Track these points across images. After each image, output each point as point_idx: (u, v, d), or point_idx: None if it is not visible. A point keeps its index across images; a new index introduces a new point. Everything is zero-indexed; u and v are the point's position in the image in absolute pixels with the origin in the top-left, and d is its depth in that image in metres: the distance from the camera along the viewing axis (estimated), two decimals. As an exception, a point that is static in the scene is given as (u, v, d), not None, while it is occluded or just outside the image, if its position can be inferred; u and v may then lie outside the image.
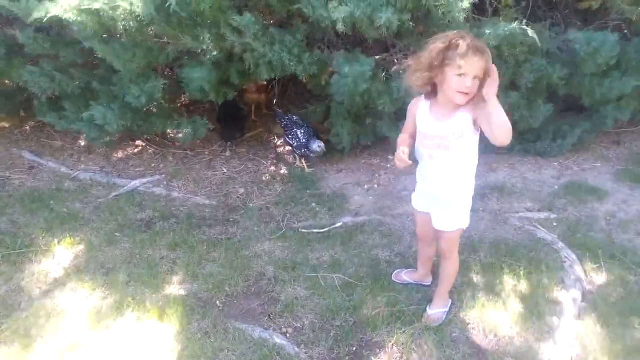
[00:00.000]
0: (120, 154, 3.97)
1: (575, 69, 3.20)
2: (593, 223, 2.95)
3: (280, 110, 3.79)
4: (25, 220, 3.16)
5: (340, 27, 2.71)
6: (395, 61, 3.35)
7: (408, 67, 1.92)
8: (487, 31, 2.82)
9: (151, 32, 2.92)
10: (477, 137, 1.95)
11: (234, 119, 4.00)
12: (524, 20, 3.21)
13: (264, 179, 3.60)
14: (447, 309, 2.38)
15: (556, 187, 3.30)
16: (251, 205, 3.30)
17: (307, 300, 2.50)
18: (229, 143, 3.98)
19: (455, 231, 2.14)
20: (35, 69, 3.40)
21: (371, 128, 3.56)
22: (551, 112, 3.34)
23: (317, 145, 3.51)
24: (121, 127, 3.40)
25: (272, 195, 3.41)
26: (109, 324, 2.39)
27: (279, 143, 4.05)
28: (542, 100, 3.32)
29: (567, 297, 2.43)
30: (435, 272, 2.53)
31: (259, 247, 2.90)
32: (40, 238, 2.98)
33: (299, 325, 2.38)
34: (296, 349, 2.23)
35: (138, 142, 4.08)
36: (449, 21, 2.78)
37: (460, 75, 1.77)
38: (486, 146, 3.47)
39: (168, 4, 2.59)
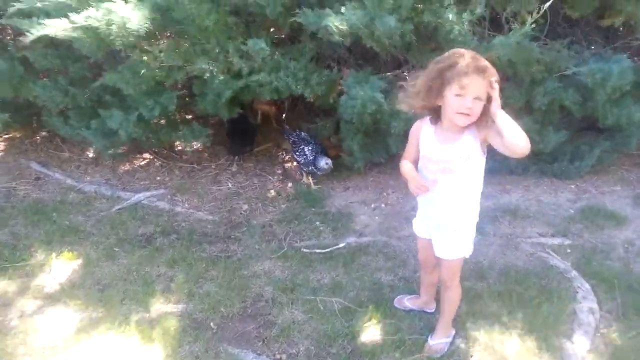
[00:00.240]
0: (127, 166, 3.95)
1: (589, 92, 3.06)
2: (610, 251, 2.79)
3: (288, 127, 3.72)
4: (26, 233, 3.14)
5: (337, 38, 2.64)
6: (407, 78, 3.26)
7: (404, 90, 1.83)
8: (497, 44, 2.70)
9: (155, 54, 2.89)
10: (484, 160, 1.85)
11: (243, 134, 3.95)
12: (542, 37, 3.11)
13: (268, 195, 3.53)
14: (449, 339, 2.25)
15: (572, 211, 3.15)
16: (254, 222, 3.23)
17: (304, 325, 2.40)
18: (236, 157, 3.93)
19: (456, 259, 2.03)
20: (47, 83, 3.41)
21: (382, 145, 3.45)
22: (564, 139, 3.19)
23: (325, 163, 3.42)
24: (133, 134, 3.37)
25: (276, 212, 3.33)
26: (98, 344, 2.33)
27: (287, 158, 3.98)
28: (552, 125, 3.17)
29: (580, 331, 2.29)
30: (439, 299, 2.40)
31: (258, 266, 2.82)
32: (39, 251, 2.95)
33: (293, 351, 2.28)
34: (288, 377, 2.13)
35: (145, 155, 4.05)
36: (457, 36, 2.68)
37: (459, 95, 1.68)
38: (500, 164, 3.42)
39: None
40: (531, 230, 2.99)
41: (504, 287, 2.55)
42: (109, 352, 2.28)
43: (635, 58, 3.21)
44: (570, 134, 3.29)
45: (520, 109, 3.16)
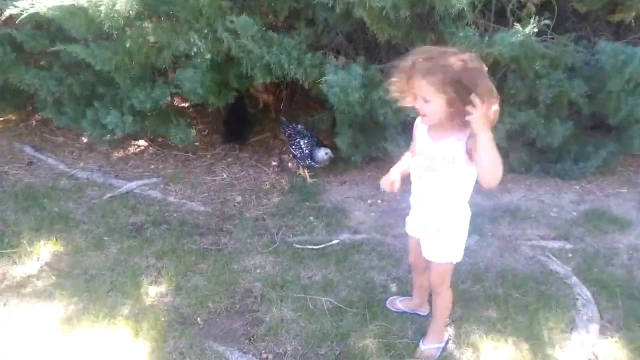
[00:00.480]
0: (121, 153, 3.88)
1: (599, 84, 2.94)
2: (613, 256, 2.69)
3: (284, 119, 3.62)
4: (16, 219, 3.08)
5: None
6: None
7: (392, 83, 1.75)
8: (499, 40, 2.59)
9: (143, 33, 2.79)
10: (472, 170, 1.75)
11: (240, 122, 3.87)
12: (549, 32, 2.99)
13: (263, 187, 3.45)
14: (442, 345, 2.18)
15: (575, 213, 3.05)
16: (247, 214, 3.15)
17: (292, 324, 2.33)
18: (236, 145, 3.86)
19: (443, 264, 1.95)
20: (42, 72, 3.32)
21: (379, 139, 3.36)
22: (571, 131, 3.08)
23: (324, 153, 3.33)
24: (131, 131, 3.31)
25: (270, 205, 3.25)
26: (81, 337, 2.27)
27: (283, 149, 3.89)
28: (559, 118, 3.06)
29: (577, 340, 2.20)
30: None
31: (249, 260, 2.75)
32: (28, 238, 2.89)
33: (280, 351, 2.21)
34: (273, 378, 2.07)
35: (140, 142, 3.98)
36: (456, 27, 2.57)
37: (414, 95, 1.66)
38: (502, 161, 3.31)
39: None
40: (531, 232, 2.90)
41: (500, 291, 2.46)
42: (93, 344, 2.23)
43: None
44: (576, 132, 3.18)
45: (524, 102, 3.05)
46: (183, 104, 4.24)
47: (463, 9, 2.47)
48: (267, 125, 4.16)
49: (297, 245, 2.84)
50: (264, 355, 2.19)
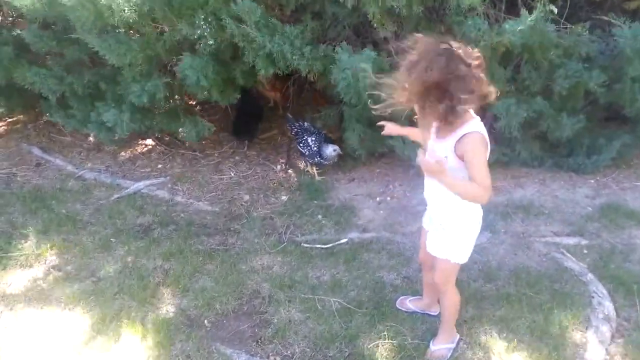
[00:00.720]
0: (128, 153, 3.86)
1: (617, 73, 2.84)
2: (629, 252, 2.61)
3: (291, 116, 3.57)
4: (24, 221, 3.08)
5: None
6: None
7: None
8: (508, 27, 2.51)
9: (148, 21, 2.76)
10: (463, 175, 1.69)
11: (252, 118, 3.84)
12: (562, 21, 2.90)
13: (271, 185, 3.41)
14: (452, 345, 2.13)
15: (590, 208, 2.96)
16: (254, 214, 3.12)
17: (300, 325, 2.30)
18: (245, 141, 3.83)
19: (446, 261, 1.90)
20: (43, 70, 3.31)
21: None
22: (582, 124, 2.98)
23: (333, 149, 3.28)
24: (129, 129, 3.28)
25: (278, 203, 3.21)
26: (87, 341, 2.26)
27: (292, 146, 3.84)
28: (570, 111, 2.97)
29: (594, 339, 2.14)
30: (443, 302, 2.28)
31: (256, 260, 2.71)
32: (35, 241, 2.89)
33: (288, 353, 2.18)
34: (281, 382, 2.04)
35: (148, 141, 3.96)
36: (465, 16, 2.50)
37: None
38: (511, 158, 3.23)
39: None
40: (545, 229, 2.82)
41: (513, 290, 2.40)
42: (99, 349, 2.21)
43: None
44: (589, 124, 3.08)
45: (538, 92, 2.96)
46: (191, 102, 4.20)
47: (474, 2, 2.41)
48: (274, 122, 4.12)
49: (306, 245, 2.80)
50: (272, 358, 2.16)
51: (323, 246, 2.78)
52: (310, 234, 2.91)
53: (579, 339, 2.15)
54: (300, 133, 3.37)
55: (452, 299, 2.04)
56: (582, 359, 2.07)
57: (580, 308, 2.28)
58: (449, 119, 1.57)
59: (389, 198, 3.19)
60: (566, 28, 2.90)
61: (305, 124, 3.43)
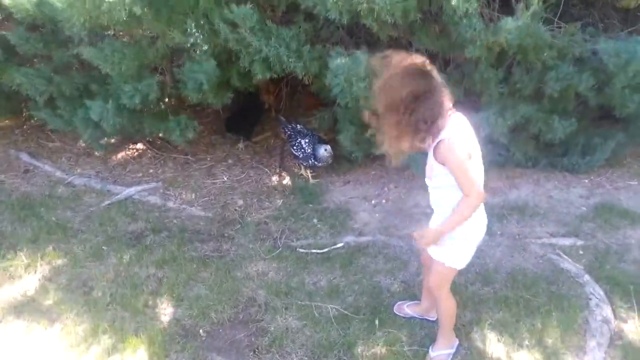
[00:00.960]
0: (118, 157, 3.80)
1: (607, 76, 2.84)
2: (624, 253, 2.61)
3: (283, 118, 3.53)
4: (12, 230, 3.02)
5: (333, 15, 2.45)
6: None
7: None
8: (504, 26, 2.49)
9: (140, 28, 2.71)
10: (449, 182, 1.71)
11: (251, 116, 3.80)
12: (555, 20, 2.89)
13: (264, 189, 3.37)
14: (452, 351, 2.11)
15: (584, 208, 2.96)
16: (248, 219, 3.08)
17: (297, 333, 2.27)
18: (240, 139, 3.81)
19: (439, 263, 1.89)
20: (30, 71, 3.24)
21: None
22: (574, 127, 2.98)
23: (324, 150, 3.26)
24: (117, 124, 3.19)
25: (272, 208, 3.18)
26: (80, 353, 2.21)
27: (285, 149, 3.81)
28: (562, 114, 2.96)
29: (591, 342, 2.13)
30: (441, 307, 2.26)
31: (252, 267, 2.68)
32: (25, 250, 2.83)
33: (285, 362, 2.15)
34: (279, 392, 2.01)
35: (138, 145, 3.90)
36: (460, 18, 2.47)
37: None
38: (505, 159, 3.22)
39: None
40: (541, 230, 2.82)
41: (511, 293, 2.39)
42: (92, 362, 2.17)
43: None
44: (583, 124, 3.08)
45: (530, 95, 2.95)
46: (180, 103, 4.15)
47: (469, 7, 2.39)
48: (267, 124, 4.08)
49: (301, 250, 2.77)
50: (270, 367, 2.14)
51: (319, 251, 2.76)
52: (305, 239, 2.88)
53: (577, 342, 2.14)
54: (293, 135, 3.34)
55: (446, 304, 2.02)
56: (580, 362, 2.07)
57: (578, 310, 2.28)
58: (421, 135, 1.63)
59: (384, 200, 3.17)
60: (560, 27, 2.88)
61: (298, 126, 3.40)
